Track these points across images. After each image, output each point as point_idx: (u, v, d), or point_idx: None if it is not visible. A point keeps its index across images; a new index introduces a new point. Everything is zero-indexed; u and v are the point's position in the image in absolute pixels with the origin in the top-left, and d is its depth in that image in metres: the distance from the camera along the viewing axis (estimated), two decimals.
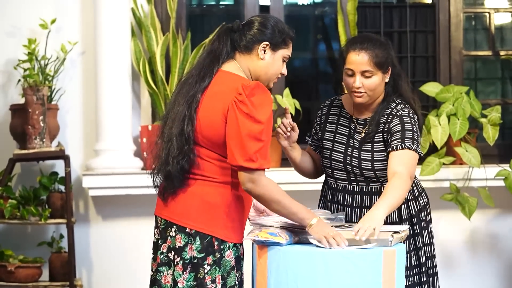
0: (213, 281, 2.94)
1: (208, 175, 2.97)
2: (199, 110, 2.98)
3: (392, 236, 3.01)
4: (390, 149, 3.28)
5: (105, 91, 4.74)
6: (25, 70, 4.59)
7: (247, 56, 3.03)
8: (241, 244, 3.05)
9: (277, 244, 2.99)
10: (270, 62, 3.04)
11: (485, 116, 4.90)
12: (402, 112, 3.35)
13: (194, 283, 2.94)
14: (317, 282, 2.94)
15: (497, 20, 5.44)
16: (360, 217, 3.34)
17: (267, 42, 3.01)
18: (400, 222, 3.40)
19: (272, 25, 3.03)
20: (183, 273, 2.94)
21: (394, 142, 3.28)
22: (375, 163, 3.35)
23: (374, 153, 3.36)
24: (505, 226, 5.19)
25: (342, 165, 3.39)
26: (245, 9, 5.12)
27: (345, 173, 3.41)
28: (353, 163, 3.37)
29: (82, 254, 4.86)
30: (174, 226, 2.98)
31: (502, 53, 5.40)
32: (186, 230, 2.95)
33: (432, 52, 5.32)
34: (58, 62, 4.73)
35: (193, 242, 2.94)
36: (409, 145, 3.26)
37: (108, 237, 4.90)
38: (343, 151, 3.40)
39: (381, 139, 3.36)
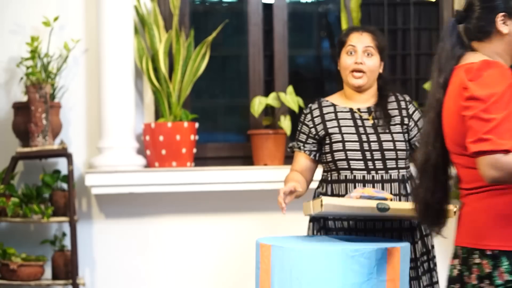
0: None
1: (472, 186, 2.69)
2: (443, 119, 2.65)
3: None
4: None
5: (108, 88, 4.73)
6: (27, 68, 4.58)
7: (487, 42, 2.60)
8: None
9: (383, 198, 3.12)
10: None
11: None
12: (408, 98, 3.58)
13: None
14: (320, 281, 2.93)
15: None
16: None
17: (502, 13, 2.55)
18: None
19: None
20: None
21: None
22: (396, 142, 3.44)
23: (393, 134, 3.45)
24: None
25: (359, 152, 3.41)
26: (248, 7, 5.10)
27: (362, 162, 3.43)
28: (372, 147, 3.41)
29: (85, 252, 4.85)
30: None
31: None
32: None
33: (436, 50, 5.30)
34: (61, 60, 4.73)
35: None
36: None
37: (111, 235, 4.88)
38: (357, 139, 3.44)
39: (399, 122, 3.48)
